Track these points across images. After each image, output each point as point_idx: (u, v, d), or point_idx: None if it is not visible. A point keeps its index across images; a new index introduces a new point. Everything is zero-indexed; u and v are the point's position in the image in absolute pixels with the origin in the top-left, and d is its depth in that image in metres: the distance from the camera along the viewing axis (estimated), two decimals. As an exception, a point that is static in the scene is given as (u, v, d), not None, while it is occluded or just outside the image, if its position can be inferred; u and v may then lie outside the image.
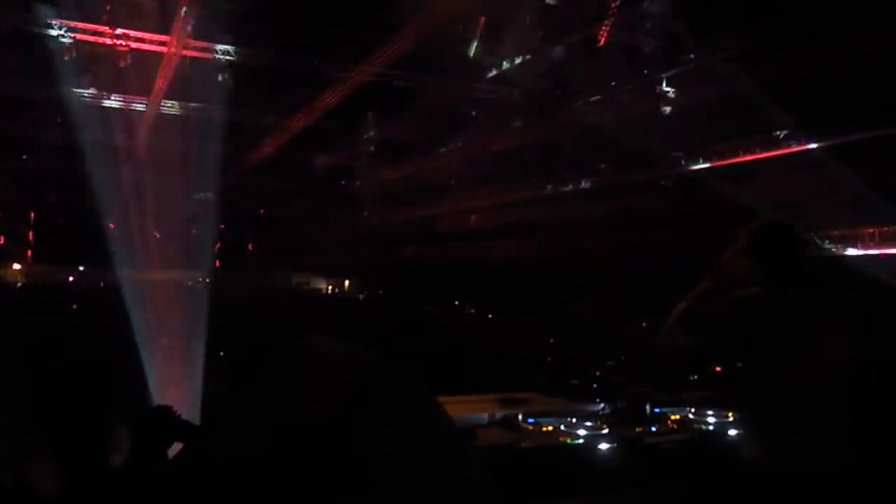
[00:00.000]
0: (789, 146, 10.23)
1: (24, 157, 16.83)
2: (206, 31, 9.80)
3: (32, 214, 27.68)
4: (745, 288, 3.14)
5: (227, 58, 10.53)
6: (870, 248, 10.53)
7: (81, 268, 27.46)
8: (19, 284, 26.53)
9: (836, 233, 10.75)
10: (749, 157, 11.15)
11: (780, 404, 3.01)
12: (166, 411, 2.51)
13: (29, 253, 28.49)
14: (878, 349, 3.34)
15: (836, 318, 3.15)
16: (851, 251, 10.63)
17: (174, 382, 6.76)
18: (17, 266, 27.58)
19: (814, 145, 9.91)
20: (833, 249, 10.57)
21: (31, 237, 28.50)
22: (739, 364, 3.15)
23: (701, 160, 11.76)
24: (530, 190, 15.30)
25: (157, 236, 14.32)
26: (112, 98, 12.26)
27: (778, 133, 10.28)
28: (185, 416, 2.54)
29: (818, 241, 10.26)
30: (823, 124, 9.53)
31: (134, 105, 12.72)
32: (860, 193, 9.09)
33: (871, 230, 10.64)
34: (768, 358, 3.03)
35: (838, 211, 9.68)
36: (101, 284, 22.53)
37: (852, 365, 3.10)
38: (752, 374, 3.08)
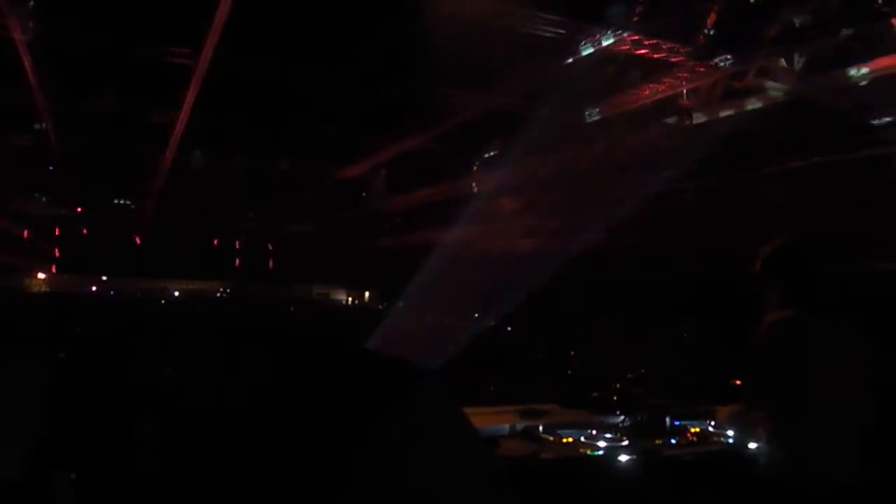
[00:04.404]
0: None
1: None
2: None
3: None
4: (769, 309, 3.19)
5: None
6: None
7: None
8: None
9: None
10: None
11: (797, 425, 3.05)
12: None
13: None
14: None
15: (852, 339, 3.18)
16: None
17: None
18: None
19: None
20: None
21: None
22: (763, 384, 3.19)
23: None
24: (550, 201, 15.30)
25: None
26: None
27: None
28: None
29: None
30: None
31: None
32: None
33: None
34: (787, 380, 3.07)
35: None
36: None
37: (869, 386, 3.14)
38: (773, 396, 3.12)
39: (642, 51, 9.71)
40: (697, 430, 5.08)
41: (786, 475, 3.07)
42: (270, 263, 30.56)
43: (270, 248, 30.46)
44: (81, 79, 11.57)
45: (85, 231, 27.19)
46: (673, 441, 4.86)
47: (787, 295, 3.20)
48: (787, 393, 3.05)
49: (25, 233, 25.97)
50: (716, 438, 4.98)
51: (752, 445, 4.11)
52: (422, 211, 18.49)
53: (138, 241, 27.92)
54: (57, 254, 28.00)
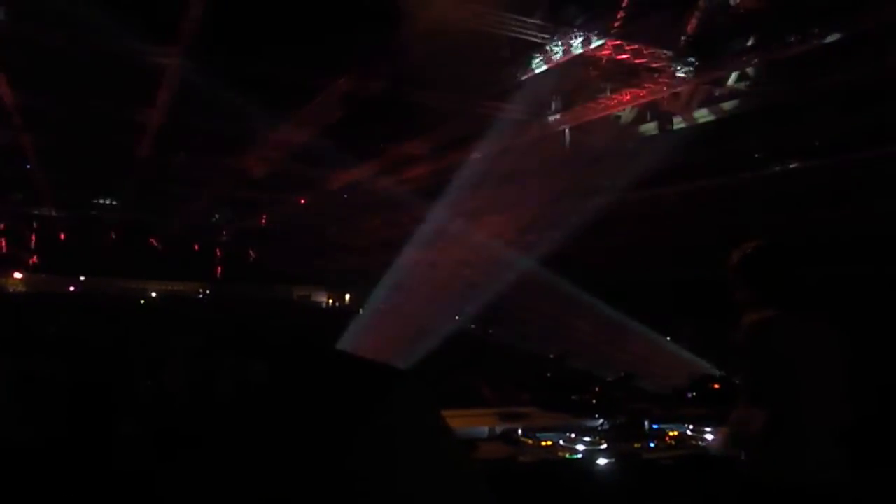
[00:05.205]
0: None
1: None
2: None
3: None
4: (746, 310, 3.20)
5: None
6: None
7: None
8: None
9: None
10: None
11: (782, 423, 3.05)
12: None
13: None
14: (872, 368, 3.38)
15: (831, 338, 3.20)
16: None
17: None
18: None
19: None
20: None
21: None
22: (738, 384, 3.20)
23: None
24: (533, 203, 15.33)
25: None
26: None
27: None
28: None
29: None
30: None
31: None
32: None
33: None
34: (763, 381, 3.07)
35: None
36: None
37: (847, 385, 3.15)
38: (749, 396, 3.13)
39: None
40: (676, 433, 5.09)
41: (768, 474, 3.07)
42: (251, 265, 30.41)
43: (251, 249, 30.30)
44: (57, 75, 11.42)
45: (62, 230, 26.93)
46: (652, 444, 4.87)
47: (762, 295, 3.21)
48: (771, 392, 3.05)
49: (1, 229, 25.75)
50: (694, 442, 4.99)
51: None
52: (403, 212, 18.44)
53: (118, 241, 27.70)
54: (33, 253, 27.73)
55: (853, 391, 3.16)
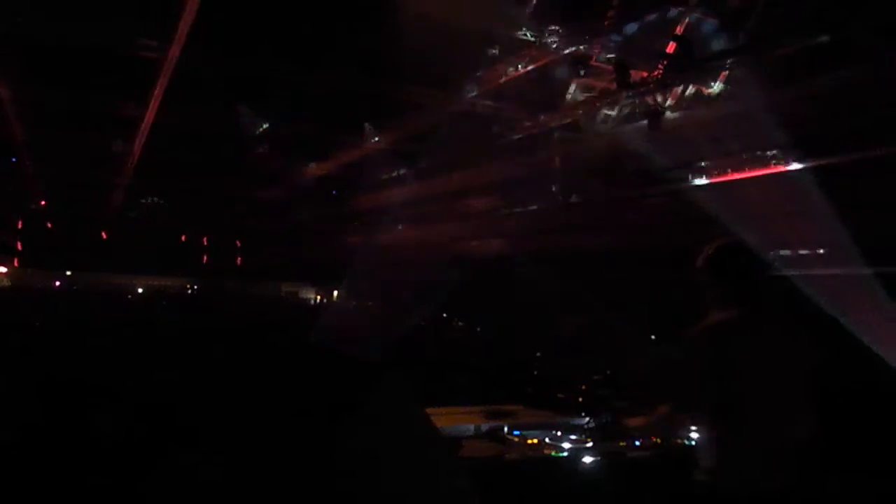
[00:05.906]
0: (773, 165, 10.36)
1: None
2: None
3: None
4: (710, 310, 3.18)
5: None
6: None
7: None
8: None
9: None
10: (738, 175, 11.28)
11: (739, 428, 3.02)
12: None
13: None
14: (834, 369, 3.37)
15: (794, 341, 3.16)
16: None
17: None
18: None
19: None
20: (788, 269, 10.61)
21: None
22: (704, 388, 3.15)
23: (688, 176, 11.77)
24: (517, 204, 15.32)
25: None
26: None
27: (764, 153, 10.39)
28: None
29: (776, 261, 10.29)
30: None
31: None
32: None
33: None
34: (728, 382, 3.03)
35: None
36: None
37: (810, 388, 3.11)
38: (714, 399, 3.09)
39: None
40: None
41: (721, 483, 3.03)
42: (238, 260, 30.25)
43: (239, 244, 30.15)
44: (45, 68, 11.35)
45: (49, 224, 26.72)
46: (637, 443, 4.89)
47: (728, 294, 3.17)
48: (724, 397, 3.00)
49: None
50: (678, 441, 5.01)
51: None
52: (387, 210, 18.41)
53: (104, 235, 27.52)
54: (19, 247, 27.49)
55: (818, 394, 3.11)
